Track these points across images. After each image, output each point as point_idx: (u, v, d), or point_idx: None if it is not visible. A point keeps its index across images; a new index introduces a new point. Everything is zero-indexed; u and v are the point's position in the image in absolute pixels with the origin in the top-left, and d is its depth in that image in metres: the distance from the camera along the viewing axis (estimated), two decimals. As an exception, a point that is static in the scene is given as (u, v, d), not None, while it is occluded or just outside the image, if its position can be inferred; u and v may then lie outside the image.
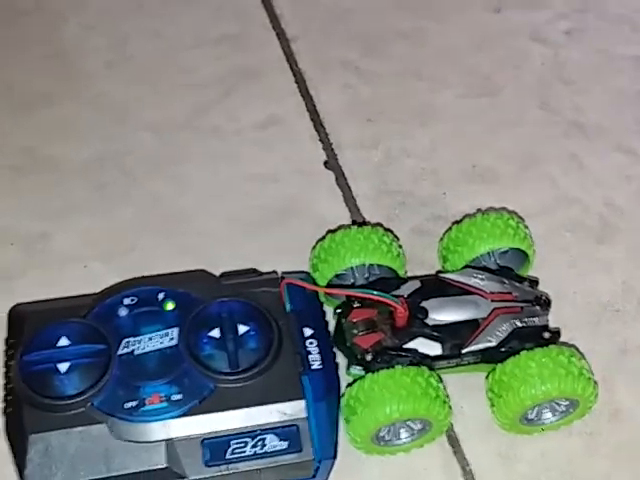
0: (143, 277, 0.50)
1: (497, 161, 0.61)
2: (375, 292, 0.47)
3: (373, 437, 0.46)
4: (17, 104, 0.63)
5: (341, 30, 0.68)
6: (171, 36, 0.68)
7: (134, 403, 0.44)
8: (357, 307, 0.49)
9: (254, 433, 0.44)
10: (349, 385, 0.47)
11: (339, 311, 0.49)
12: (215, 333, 0.46)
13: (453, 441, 0.49)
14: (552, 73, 0.66)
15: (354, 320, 0.48)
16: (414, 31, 0.68)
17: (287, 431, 0.45)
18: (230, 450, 0.44)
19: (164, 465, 0.43)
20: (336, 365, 0.47)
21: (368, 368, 0.47)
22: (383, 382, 0.45)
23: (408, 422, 0.47)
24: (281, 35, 0.68)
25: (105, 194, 0.59)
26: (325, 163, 0.61)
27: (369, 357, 0.47)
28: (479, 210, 0.56)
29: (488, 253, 0.51)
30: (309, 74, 0.65)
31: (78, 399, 0.44)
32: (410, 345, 0.47)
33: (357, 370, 0.48)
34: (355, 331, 0.48)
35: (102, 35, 0.67)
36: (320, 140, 0.62)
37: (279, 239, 0.56)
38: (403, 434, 0.48)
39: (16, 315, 0.48)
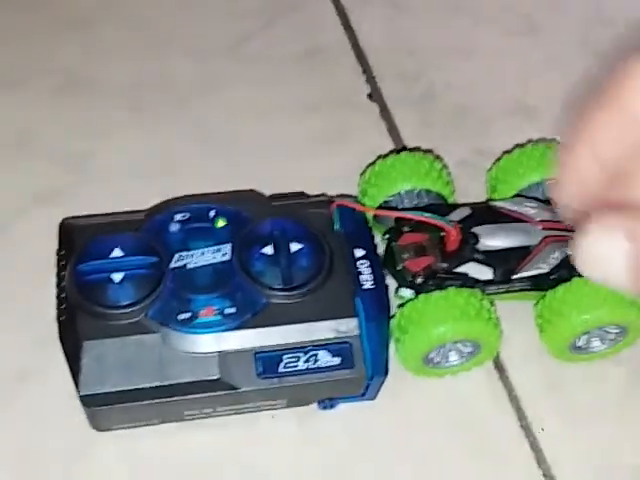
0: (193, 195, 0.50)
1: (540, 98, 0.61)
2: (428, 214, 0.47)
3: (423, 358, 0.47)
4: (59, 25, 0.62)
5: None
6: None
7: (187, 315, 0.44)
8: (407, 231, 0.48)
9: (306, 348, 0.44)
10: (400, 306, 0.47)
11: (388, 236, 0.49)
12: (268, 250, 0.46)
13: (499, 367, 0.49)
14: (593, 12, 0.66)
15: (404, 244, 0.48)
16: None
17: (340, 348, 0.45)
18: (283, 364, 0.44)
19: (217, 376, 0.44)
20: (386, 286, 0.47)
21: (418, 291, 0.47)
22: (436, 302, 0.46)
23: (458, 344, 0.47)
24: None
25: (147, 116, 0.58)
26: (369, 95, 0.60)
27: (419, 280, 0.47)
28: (528, 141, 0.56)
29: (537, 183, 0.51)
30: (350, 5, 0.65)
31: (132, 309, 0.44)
32: (461, 269, 0.47)
33: (407, 293, 0.48)
34: (405, 255, 0.48)
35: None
36: (363, 72, 0.62)
37: (324, 167, 0.56)
38: (452, 356, 0.48)
39: (67, 228, 0.48)
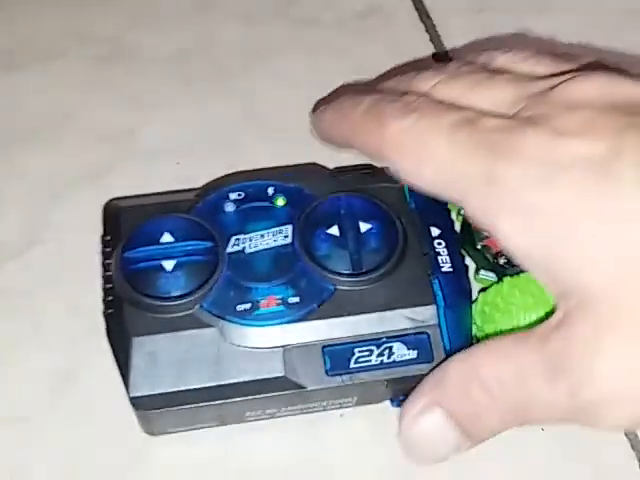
0: (249, 171, 0.45)
1: (624, 53, 0.55)
2: None
3: None
4: None
5: None
6: None
7: (247, 305, 0.40)
8: None
9: (380, 341, 0.40)
10: (482, 290, 0.42)
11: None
12: (334, 231, 0.42)
13: None
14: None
15: None
16: None
17: (417, 339, 0.40)
18: (354, 359, 0.40)
19: (281, 373, 0.39)
20: (467, 268, 0.42)
21: (502, 274, 0.42)
22: (525, 287, 0.40)
23: None
24: None
25: (195, 87, 0.54)
26: (433, 55, 0.55)
27: (502, 260, 0.42)
28: None
29: None
30: None
31: (186, 300, 0.40)
32: None
33: (488, 277, 0.43)
34: (485, 232, 0.43)
35: None
36: (427, 31, 0.57)
37: None
38: None
39: (112, 210, 0.44)
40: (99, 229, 0.43)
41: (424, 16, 0.57)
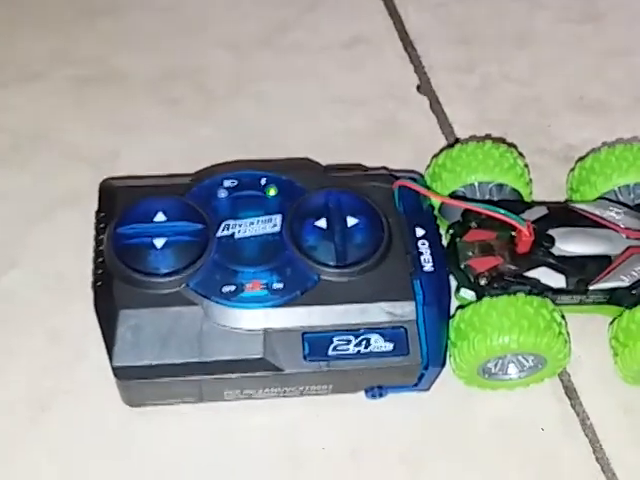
0: (243, 161, 0.47)
1: (607, 92, 0.56)
2: (501, 210, 0.43)
3: (479, 367, 0.43)
4: (83, 11, 0.58)
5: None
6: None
7: (232, 288, 0.41)
8: (474, 227, 0.45)
9: (358, 332, 0.41)
10: (460, 307, 0.43)
11: (452, 231, 0.45)
12: (322, 223, 0.43)
13: (571, 392, 0.45)
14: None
15: (470, 241, 0.44)
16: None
17: (394, 332, 0.41)
18: (332, 347, 0.41)
19: (260, 355, 0.40)
20: (448, 270, 0.44)
21: (481, 293, 0.43)
22: (503, 308, 0.42)
23: (520, 357, 0.43)
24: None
25: (179, 110, 0.54)
26: (417, 87, 0.56)
27: (483, 281, 0.43)
28: (604, 144, 0.51)
29: (626, 187, 0.47)
30: None
31: (173, 278, 0.41)
32: (531, 274, 0.43)
33: (468, 295, 0.44)
34: (470, 253, 0.44)
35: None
36: (411, 62, 0.57)
37: (369, 165, 0.51)
38: (512, 369, 0.44)
39: (107, 189, 0.45)
40: (79, 251, 0.45)
41: (409, 47, 0.58)
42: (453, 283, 0.45)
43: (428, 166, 0.48)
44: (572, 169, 0.49)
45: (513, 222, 0.43)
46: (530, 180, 0.47)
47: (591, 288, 0.43)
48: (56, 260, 0.47)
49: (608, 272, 0.44)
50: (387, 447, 0.43)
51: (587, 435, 0.44)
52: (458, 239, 0.45)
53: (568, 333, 0.43)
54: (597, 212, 0.45)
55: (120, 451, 0.42)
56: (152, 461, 0.42)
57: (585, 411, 0.45)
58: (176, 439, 0.42)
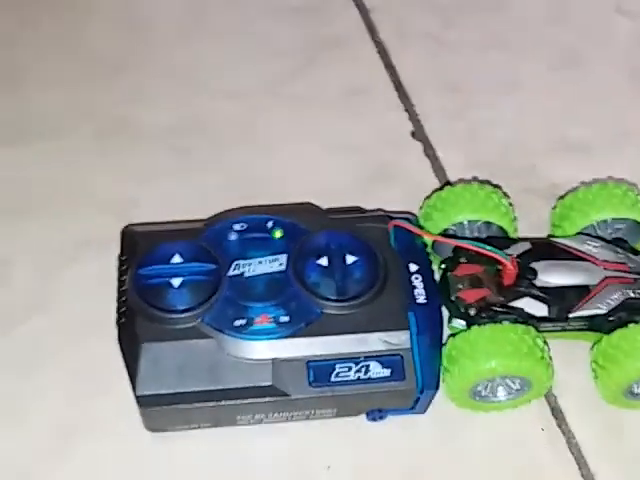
0: (252, 206, 0.51)
1: (588, 133, 0.60)
2: (488, 247, 0.47)
3: (471, 390, 0.46)
4: (94, 72, 0.62)
5: (420, 1, 0.68)
6: (249, 3, 0.67)
7: (243, 322, 0.45)
8: (464, 262, 0.48)
9: (358, 359, 0.45)
10: (451, 336, 0.47)
11: (444, 266, 0.49)
12: (323, 261, 0.47)
13: (557, 413, 0.49)
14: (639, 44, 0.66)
15: (460, 275, 0.48)
16: (493, 2, 0.68)
17: (391, 360, 0.45)
18: (334, 373, 0.45)
19: (269, 382, 0.44)
20: (440, 302, 0.48)
21: (471, 323, 0.47)
22: (489, 335, 0.45)
23: (507, 380, 0.47)
24: (360, 5, 0.67)
25: (191, 159, 0.58)
26: (412, 133, 0.60)
27: (473, 311, 0.47)
28: (582, 183, 0.55)
29: (604, 222, 0.51)
30: (390, 44, 0.65)
31: (189, 314, 0.45)
32: (516, 304, 0.47)
33: (459, 325, 0.48)
34: (460, 285, 0.48)
35: (176, 2, 0.67)
36: (405, 110, 0.62)
37: (368, 207, 0.55)
38: (500, 392, 0.48)
39: (129, 234, 0.49)
40: (100, 296, 0.48)
41: (402, 96, 0.62)
42: (446, 314, 0.48)
43: (421, 207, 0.52)
44: (554, 207, 0.53)
45: (498, 257, 0.47)
46: (514, 218, 0.51)
47: (571, 316, 0.47)
48: (78, 303, 0.51)
49: (586, 301, 0.47)
50: (388, 465, 0.46)
51: (573, 453, 0.47)
52: (449, 273, 0.49)
53: (551, 357, 0.47)
54: (576, 246, 0.49)
55: (144, 474, 0.46)
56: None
57: (571, 430, 0.48)
58: (193, 460, 0.46)
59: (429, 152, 0.59)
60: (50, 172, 0.57)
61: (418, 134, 0.60)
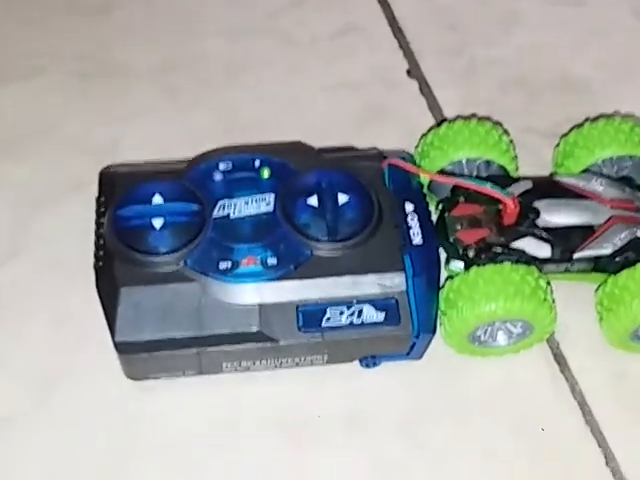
0: (238, 145, 0.48)
1: (589, 71, 0.58)
2: (487, 183, 0.45)
3: (469, 335, 0.44)
4: (78, 8, 0.60)
5: None
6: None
7: (228, 264, 0.43)
8: (462, 202, 0.46)
9: (351, 303, 0.43)
10: (449, 278, 0.45)
11: (442, 206, 0.47)
12: (313, 201, 0.45)
13: (559, 358, 0.46)
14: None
15: (458, 215, 0.46)
16: None
17: (385, 303, 0.43)
18: (325, 318, 0.42)
19: (256, 328, 0.42)
20: (437, 243, 0.45)
21: (470, 265, 0.45)
22: (489, 277, 0.43)
23: (508, 324, 0.45)
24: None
25: (178, 100, 0.56)
26: (408, 72, 0.58)
27: (471, 253, 0.45)
28: (586, 119, 0.52)
29: (609, 159, 0.48)
30: None
31: (171, 256, 0.43)
32: (517, 244, 0.45)
33: (458, 266, 0.45)
34: (458, 226, 0.46)
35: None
36: (400, 48, 0.59)
37: (362, 146, 0.51)
38: (500, 336, 0.45)
39: (107, 175, 0.47)
40: (82, 240, 0.46)
41: (397, 33, 0.60)
42: (443, 256, 0.46)
43: (417, 146, 0.50)
44: (557, 144, 0.50)
45: (499, 195, 0.45)
46: (515, 156, 0.49)
47: (575, 256, 0.45)
48: (58, 247, 0.49)
49: (592, 241, 0.45)
50: (381, 414, 0.44)
51: (576, 399, 0.45)
52: (447, 214, 0.46)
53: (554, 300, 0.44)
54: (581, 184, 0.47)
55: (125, 424, 0.44)
56: (156, 431, 0.43)
57: (574, 377, 0.46)
58: (178, 410, 0.44)
59: (425, 90, 0.57)
60: (30, 112, 0.55)
61: (414, 72, 0.58)
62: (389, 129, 0.54)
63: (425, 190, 0.48)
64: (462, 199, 0.46)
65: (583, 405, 0.45)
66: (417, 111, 0.56)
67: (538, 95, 0.56)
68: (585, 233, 0.45)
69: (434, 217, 0.47)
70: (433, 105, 0.56)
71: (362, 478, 0.43)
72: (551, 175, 0.49)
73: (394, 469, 0.43)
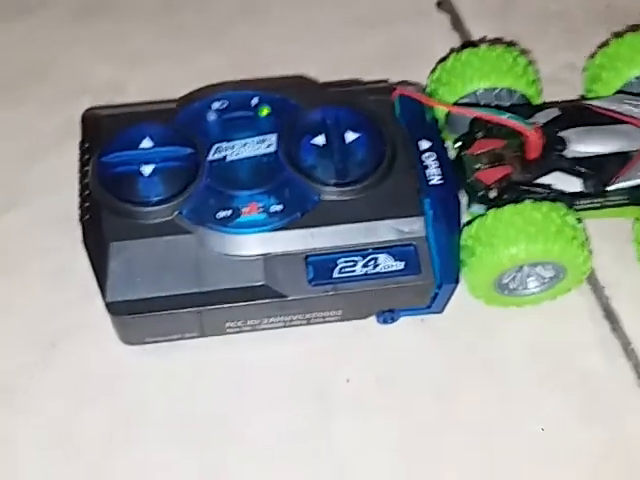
0: (233, 81, 0.44)
1: (635, 1, 0.53)
2: (506, 114, 0.40)
3: (495, 284, 0.40)
4: None
5: None
6: None
7: (228, 213, 0.38)
8: (481, 138, 0.42)
9: (365, 251, 0.39)
10: (466, 224, 0.41)
11: (459, 144, 0.42)
12: (319, 140, 0.40)
13: (610, 316, 0.42)
14: None
15: (477, 152, 0.42)
16: None
17: (403, 250, 0.39)
18: (337, 269, 0.38)
19: (261, 282, 0.38)
20: (457, 182, 0.41)
21: (493, 207, 0.40)
22: (509, 218, 0.39)
23: (538, 268, 0.40)
24: None
25: (182, 39, 0.51)
26: (438, 4, 0.53)
27: (493, 194, 0.41)
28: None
29: None
30: None
31: (164, 206, 0.38)
32: (543, 180, 0.40)
33: (480, 210, 0.41)
34: (478, 165, 0.41)
35: None
36: None
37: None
38: (532, 283, 0.41)
39: (91, 118, 0.42)
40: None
41: None
42: (464, 199, 0.42)
43: (432, 71, 0.45)
44: (584, 69, 0.46)
45: (518, 126, 0.40)
46: (535, 80, 0.44)
47: (610, 189, 0.41)
48: (59, 197, 0.44)
49: (628, 169, 0.41)
50: (412, 374, 0.40)
51: (630, 359, 0.41)
52: (465, 152, 0.42)
53: (587, 237, 0.40)
54: (613, 107, 0.42)
55: (129, 386, 0.40)
56: (161, 396, 0.40)
57: (626, 335, 0.42)
58: (177, 375, 0.40)
59: (458, 25, 0.53)
60: (29, 52, 0.51)
61: (445, 5, 0.53)
62: (416, 68, 0.49)
63: (440, 127, 0.43)
64: (481, 134, 0.42)
65: (637, 366, 0.41)
66: (448, 48, 0.51)
67: (579, 30, 0.52)
68: (619, 161, 0.41)
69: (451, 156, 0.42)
70: (466, 41, 0.52)
71: (392, 442, 0.39)
72: (580, 99, 0.44)
73: (426, 433, 0.39)
